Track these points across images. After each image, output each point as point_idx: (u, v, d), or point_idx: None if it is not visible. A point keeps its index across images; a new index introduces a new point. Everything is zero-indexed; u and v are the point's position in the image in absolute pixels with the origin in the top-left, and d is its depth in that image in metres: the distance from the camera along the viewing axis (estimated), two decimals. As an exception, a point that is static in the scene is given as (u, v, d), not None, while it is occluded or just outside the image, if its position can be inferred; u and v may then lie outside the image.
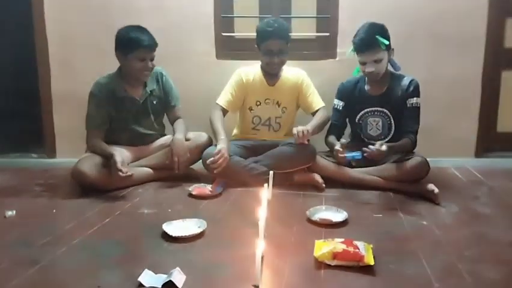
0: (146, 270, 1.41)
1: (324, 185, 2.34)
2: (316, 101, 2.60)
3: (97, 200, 2.17)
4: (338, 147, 2.29)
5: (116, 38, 2.37)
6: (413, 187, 2.24)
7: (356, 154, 2.23)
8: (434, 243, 1.69)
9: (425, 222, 1.88)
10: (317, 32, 2.94)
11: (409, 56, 2.70)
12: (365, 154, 2.20)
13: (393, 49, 2.39)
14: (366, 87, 2.48)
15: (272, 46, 2.43)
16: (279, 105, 2.59)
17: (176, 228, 1.76)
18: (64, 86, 2.97)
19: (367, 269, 1.44)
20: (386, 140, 2.41)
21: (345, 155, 2.26)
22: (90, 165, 2.26)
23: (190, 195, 2.23)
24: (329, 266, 1.47)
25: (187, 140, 2.50)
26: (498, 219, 1.94)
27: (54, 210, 2.05)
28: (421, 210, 2.03)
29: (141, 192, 2.32)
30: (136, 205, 2.11)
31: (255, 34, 2.53)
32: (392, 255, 1.57)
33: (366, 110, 2.47)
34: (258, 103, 2.59)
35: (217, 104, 2.57)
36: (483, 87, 2.86)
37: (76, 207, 2.10)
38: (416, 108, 2.38)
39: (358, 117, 2.50)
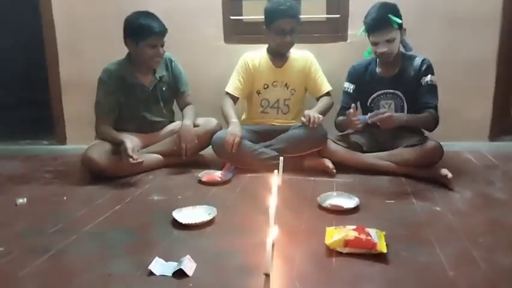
0: (156, 258, 1.41)
1: (334, 170, 2.31)
2: (325, 85, 2.58)
3: (107, 186, 2.17)
4: (351, 110, 2.26)
5: (125, 26, 2.33)
6: (426, 172, 2.20)
7: (366, 116, 2.23)
8: (448, 229, 1.66)
9: (438, 208, 1.85)
10: (327, 14, 2.87)
11: (422, 36, 2.64)
12: (370, 119, 2.19)
13: (405, 29, 2.33)
14: (378, 69, 2.44)
15: (285, 25, 2.39)
16: (287, 87, 2.56)
17: (186, 215, 1.75)
18: (73, 72, 2.95)
19: (379, 257, 1.42)
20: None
21: (358, 117, 2.24)
22: (100, 152, 2.25)
23: (200, 181, 2.22)
24: (340, 254, 1.45)
25: (196, 126, 2.48)
26: (513, 205, 1.90)
27: (65, 198, 2.06)
28: (434, 195, 1.99)
29: (151, 178, 2.31)
30: (146, 192, 2.10)
31: (263, 17, 2.48)
32: (405, 242, 1.54)
33: (378, 93, 2.42)
34: (266, 86, 2.56)
35: (226, 92, 2.55)
36: (498, 69, 2.78)
37: (86, 194, 2.11)
38: (432, 86, 2.33)
39: (370, 100, 2.45)
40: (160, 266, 1.38)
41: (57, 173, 2.44)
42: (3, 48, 3.93)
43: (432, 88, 2.33)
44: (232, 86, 2.55)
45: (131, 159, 2.16)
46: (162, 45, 2.36)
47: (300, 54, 2.58)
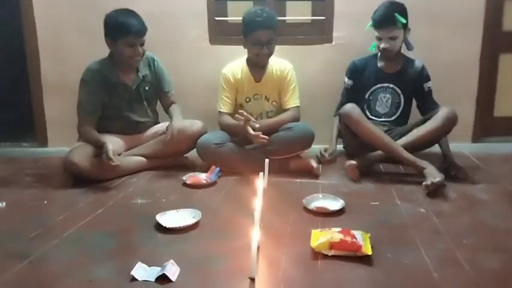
0: (139, 263, 1.38)
1: (319, 171, 2.31)
2: (292, 100, 2.51)
3: (89, 190, 2.13)
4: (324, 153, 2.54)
5: (104, 23, 2.29)
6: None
7: None
8: (432, 231, 1.67)
9: (422, 210, 1.85)
10: (312, 15, 2.87)
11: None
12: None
13: (409, 29, 2.47)
14: (379, 63, 2.58)
15: (261, 36, 2.35)
16: (268, 100, 2.53)
17: (170, 219, 1.72)
18: (54, 73, 2.90)
19: (365, 259, 1.42)
20: (390, 119, 2.55)
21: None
22: (81, 155, 2.20)
23: (185, 184, 2.19)
24: (326, 257, 1.44)
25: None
26: (497, 206, 1.92)
27: (45, 201, 2.00)
28: (418, 197, 2.00)
29: (134, 181, 2.28)
30: (129, 195, 2.06)
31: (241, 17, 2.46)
32: (390, 244, 1.54)
33: (378, 86, 2.57)
34: (248, 99, 2.53)
35: (220, 112, 2.51)
36: (481, 70, 2.83)
37: (67, 198, 2.06)
38: (430, 91, 2.55)
39: (369, 92, 2.58)
40: (142, 271, 1.35)
41: (38, 176, 2.38)
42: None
43: (431, 93, 2.55)
44: (224, 104, 2.51)
45: (110, 162, 2.12)
46: (142, 44, 2.31)
47: (279, 64, 2.52)
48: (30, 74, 2.90)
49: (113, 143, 2.25)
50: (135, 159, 2.41)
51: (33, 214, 1.87)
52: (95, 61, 2.37)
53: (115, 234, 1.65)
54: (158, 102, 2.62)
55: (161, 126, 2.53)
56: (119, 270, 1.36)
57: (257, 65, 2.49)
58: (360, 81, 2.59)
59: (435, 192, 2.02)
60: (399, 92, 2.55)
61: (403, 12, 2.40)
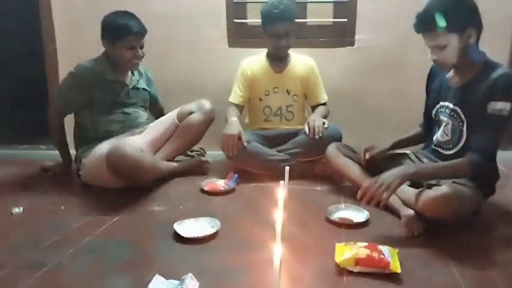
0: (157, 275, 1.33)
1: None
2: (323, 94, 2.52)
3: (106, 195, 2.09)
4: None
5: (102, 25, 2.22)
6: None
7: None
8: (463, 247, 1.58)
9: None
10: (334, 17, 2.79)
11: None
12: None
13: (473, 31, 1.68)
14: (450, 73, 1.87)
15: (279, 29, 2.33)
16: (289, 93, 2.49)
17: (188, 228, 1.67)
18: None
19: (393, 277, 1.34)
20: (451, 152, 1.83)
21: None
22: (131, 146, 2.07)
23: (202, 190, 2.14)
24: (351, 273, 1.37)
25: (190, 112, 2.42)
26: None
27: (62, 207, 1.98)
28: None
29: (152, 187, 2.23)
30: (146, 201, 2.02)
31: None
32: (419, 260, 1.47)
33: (440, 104, 1.87)
34: (267, 92, 2.49)
35: (230, 102, 2.51)
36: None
37: (84, 203, 2.03)
38: (498, 118, 1.63)
39: (434, 111, 1.92)
40: (160, 285, 1.30)
41: (55, 180, 2.36)
42: (2, 50, 3.86)
43: (496, 122, 1.64)
44: (234, 94, 2.51)
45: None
46: (141, 47, 2.24)
47: (302, 60, 2.51)
48: (48, 76, 2.89)
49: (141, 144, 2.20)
50: (166, 164, 2.36)
51: (49, 220, 1.84)
52: (91, 59, 2.28)
53: (132, 244, 1.60)
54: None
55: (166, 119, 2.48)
56: (136, 283, 1.32)
57: (277, 58, 2.47)
58: (431, 89, 1.96)
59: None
60: (461, 115, 1.77)
61: (451, 10, 1.63)
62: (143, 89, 2.43)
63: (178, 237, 1.61)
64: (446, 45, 1.68)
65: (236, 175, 2.28)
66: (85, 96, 2.25)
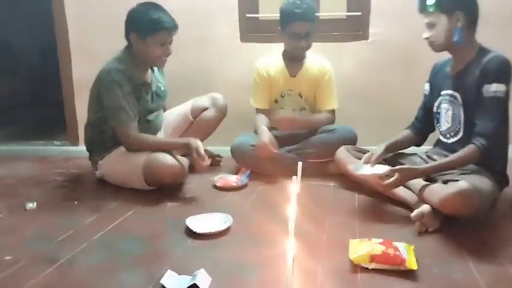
0: (169, 271, 1.32)
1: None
2: (329, 102, 2.42)
3: (118, 191, 2.09)
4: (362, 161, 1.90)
5: (131, 19, 2.08)
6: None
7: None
8: (480, 242, 1.54)
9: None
10: (348, 11, 2.74)
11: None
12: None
13: (462, 15, 1.73)
14: (449, 64, 1.91)
15: (299, 29, 2.25)
16: (301, 97, 2.44)
17: (200, 223, 1.66)
18: (86, 71, 2.84)
19: (409, 274, 1.31)
20: (454, 140, 1.84)
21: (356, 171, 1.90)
22: (169, 157, 2.00)
23: (215, 186, 2.13)
24: (366, 270, 1.34)
25: (205, 108, 2.39)
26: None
27: (75, 202, 1.98)
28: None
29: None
30: (158, 197, 2.01)
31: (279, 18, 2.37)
32: (436, 257, 1.43)
33: (442, 93, 1.90)
34: (283, 94, 2.44)
35: (256, 108, 2.45)
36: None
37: (97, 198, 2.03)
38: (495, 100, 1.66)
39: (436, 104, 1.94)
40: (172, 280, 1.29)
41: (69, 176, 2.38)
42: (18, 47, 3.90)
43: (494, 104, 1.67)
44: (258, 99, 2.44)
45: (205, 162, 1.97)
46: (170, 43, 2.12)
47: (317, 62, 2.42)
48: (61, 73, 2.91)
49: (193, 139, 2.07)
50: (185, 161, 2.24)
51: (63, 215, 1.85)
52: (115, 60, 2.11)
53: (144, 239, 1.60)
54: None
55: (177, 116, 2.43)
56: (149, 278, 1.32)
57: (293, 59, 2.40)
58: (432, 85, 1.99)
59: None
60: (460, 100, 1.80)
61: None
62: (163, 87, 2.34)
63: (191, 233, 1.61)
64: (435, 23, 1.77)
65: (248, 171, 2.27)
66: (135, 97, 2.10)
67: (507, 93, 1.68)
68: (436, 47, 1.83)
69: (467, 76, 1.77)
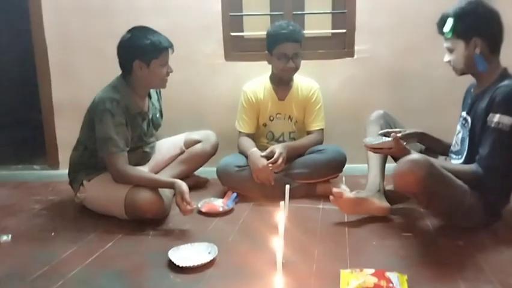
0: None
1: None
2: (317, 122, 2.39)
3: (98, 219, 2.00)
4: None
5: (131, 47, 2.00)
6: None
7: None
8: (476, 269, 1.49)
9: (461, 243, 1.67)
10: (333, 28, 2.72)
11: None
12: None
13: (480, 41, 1.69)
14: (475, 85, 1.87)
15: (287, 49, 2.23)
16: (291, 120, 2.39)
17: (183, 254, 1.59)
18: (66, 93, 2.81)
19: (403, 307, 1.26)
20: (459, 162, 1.81)
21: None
22: (156, 192, 1.93)
23: (200, 212, 2.05)
24: (358, 304, 1.28)
25: (197, 141, 2.35)
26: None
27: (52, 234, 1.89)
28: (454, 227, 1.79)
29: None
30: (140, 225, 1.91)
31: (265, 33, 2.33)
32: (430, 286, 1.38)
33: (461, 113, 1.89)
34: (271, 118, 2.40)
35: (240, 132, 2.40)
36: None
37: (76, 228, 1.94)
38: (496, 131, 1.63)
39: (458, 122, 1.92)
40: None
41: (47, 203, 2.27)
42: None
43: (495, 136, 1.63)
44: (242, 123, 2.39)
45: (188, 206, 1.84)
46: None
47: (305, 84, 2.39)
48: (41, 94, 2.82)
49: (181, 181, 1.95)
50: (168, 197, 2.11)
51: (38, 249, 1.75)
52: (110, 88, 2.02)
53: (124, 274, 1.51)
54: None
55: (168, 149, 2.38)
56: (127, 321, 1.23)
57: (281, 82, 2.36)
58: (462, 108, 1.94)
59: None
60: (470, 124, 1.77)
61: (461, 17, 1.69)
62: (158, 114, 2.27)
63: (173, 266, 1.52)
64: (452, 49, 1.76)
65: (235, 194, 2.20)
66: (127, 128, 2.01)
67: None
68: (457, 72, 1.81)
69: (480, 101, 1.72)
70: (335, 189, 1.93)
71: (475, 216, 1.73)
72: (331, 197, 1.90)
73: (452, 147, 1.91)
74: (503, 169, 1.68)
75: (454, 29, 1.71)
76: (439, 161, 1.78)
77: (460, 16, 1.70)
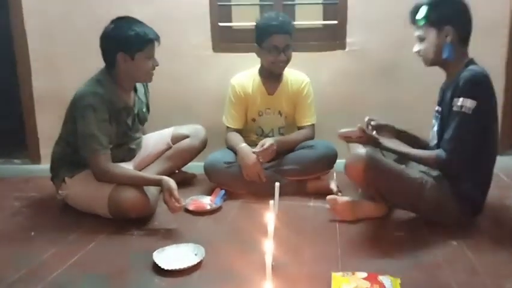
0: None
1: (340, 193, 2.05)
2: (308, 117, 2.32)
3: (81, 218, 1.93)
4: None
5: (115, 38, 1.90)
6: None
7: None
8: (469, 271, 1.45)
9: (455, 243, 1.64)
10: (324, 20, 2.64)
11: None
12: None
13: (452, 30, 1.70)
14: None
15: (278, 42, 2.15)
16: (281, 115, 2.32)
17: (169, 256, 1.53)
18: (47, 84, 2.70)
19: (396, 313, 1.21)
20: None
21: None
22: (143, 191, 1.86)
23: (186, 210, 1.98)
24: (350, 309, 1.24)
25: (185, 136, 2.29)
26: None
27: (32, 233, 1.81)
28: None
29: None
30: (124, 224, 1.84)
31: (254, 23, 2.26)
32: (423, 290, 1.34)
33: (435, 108, 1.90)
34: (260, 113, 2.33)
35: (227, 127, 2.33)
36: (506, 81, 2.58)
37: (57, 227, 1.86)
38: (460, 114, 1.63)
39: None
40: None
41: (28, 200, 2.19)
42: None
43: (459, 119, 1.64)
44: (230, 118, 2.32)
45: (177, 204, 1.79)
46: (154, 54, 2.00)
47: (295, 77, 2.32)
48: (21, 86, 2.71)
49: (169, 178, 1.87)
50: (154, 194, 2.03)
51: (17, 250, 1.68)
52: (93, 82, 1.94)
53: (106, 278, 1.45)
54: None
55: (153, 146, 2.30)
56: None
57: (271, 76, 2.29)
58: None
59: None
60: (441, 114, 1.79)
61: (434, 5, 1.71)
62: (144, 109, 2.18)
63: (158, 269, 1.46)
64: (424, 38, 1.76)
65: (223, 191, 2.14)
66: (111, 124, 1.93)
67: (478, 110, 1.62)
68: (426, 61, 1.81)
69: (448, 90, 1.75)
70: (328, 197, 1.91)
71: (451, 211, 1.73)
72: (327, 206, 1.90)
73: (430, 142, 1.88)
74: (467, 152, 1.67)
75: (427, 16, 1.72)
76: (402, 148, 1.82)
77: (434, 4, 1.72)
